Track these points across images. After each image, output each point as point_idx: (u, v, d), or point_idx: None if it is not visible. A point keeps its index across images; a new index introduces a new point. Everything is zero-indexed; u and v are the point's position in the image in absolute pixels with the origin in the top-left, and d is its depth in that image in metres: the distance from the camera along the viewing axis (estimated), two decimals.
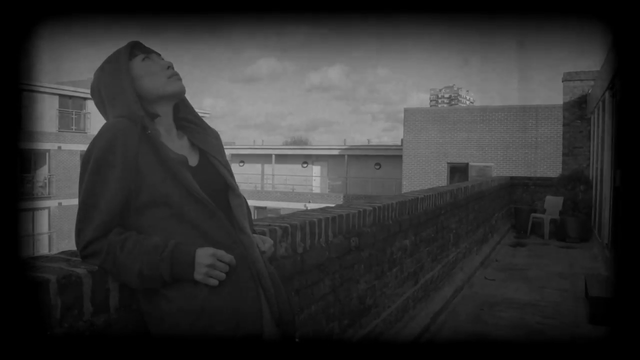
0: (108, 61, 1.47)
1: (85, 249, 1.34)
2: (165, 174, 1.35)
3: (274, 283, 1.45)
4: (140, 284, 1.31)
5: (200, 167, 1.48)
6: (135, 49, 1.48)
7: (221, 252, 1.33)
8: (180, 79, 1.48)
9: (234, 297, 1.34)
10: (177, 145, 1.47)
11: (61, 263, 1.37)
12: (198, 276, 1.30)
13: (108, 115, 1.44)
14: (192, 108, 1.59)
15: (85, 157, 1.36)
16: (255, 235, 1.52)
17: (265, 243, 1.53)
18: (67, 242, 21.63)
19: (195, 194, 1.35)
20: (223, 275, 1.32)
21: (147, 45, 1.52)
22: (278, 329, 1.42)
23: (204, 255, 1.31)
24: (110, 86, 1.43)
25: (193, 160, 1.48)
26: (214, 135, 1.56)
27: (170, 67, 1.48)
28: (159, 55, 1.51)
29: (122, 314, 1.39)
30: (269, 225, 2.13)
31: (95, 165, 1.33)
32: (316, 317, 2.47)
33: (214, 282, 1.31)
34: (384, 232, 3.31)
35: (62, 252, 1.50)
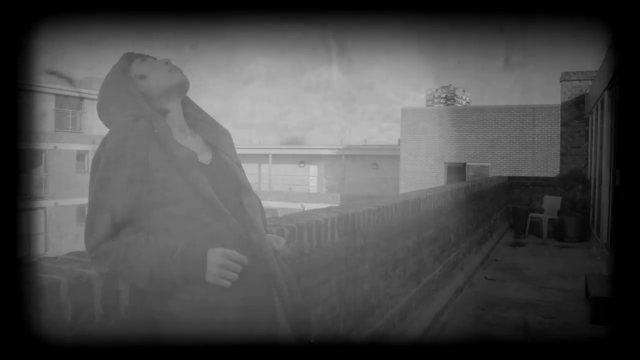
0: (108, 74, 1.49)
1: (95, 249, 1.31)
2: (176, 173, 1.34)
3: (288, 282, 1.42)
4: (151, 286, 1.29)
5: (214, 165, 1.46)
6: (130, 57, 1.51)
7: (232, 252, 1.30)
8: (180, 70, 1.50)
9: (246, 297, 1.31)
10: (191, 142, 1.46)
11: (71, 264, 1.34)
12: (210, 277, 1.28)
13: None
14: (201, 109, 1.59)
15: (96, 157, 1.34)
16: (268, 234, 1.50)
17: (279, 242, 1.51)
18: (63, 243, 21.53)
19: (202, 193, 1.33)
20: (235, 276, 1.29)
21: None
22: (292, 329, 1.40)
23: (216, 256, 1.29)
24: (115, 95, 1.44)
25: (206, 158, 1.47)
26: (225, 134, 1.55)
27: (168, 62, 1.49)
28: (155, 58, 1.53)
29: (132, 316, 1.36)
30: (276, 225, 2.11)
31: (106, 164, 1.32)
32: (322, 318, 2.45)
33: (226, 283, 1.28)
34: (387, 232, 3.30)
35: (71, 253, 1.48)
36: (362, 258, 2.93)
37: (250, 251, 1.36)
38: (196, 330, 1.27)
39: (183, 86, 1.49)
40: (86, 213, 1.35)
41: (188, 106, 1.56)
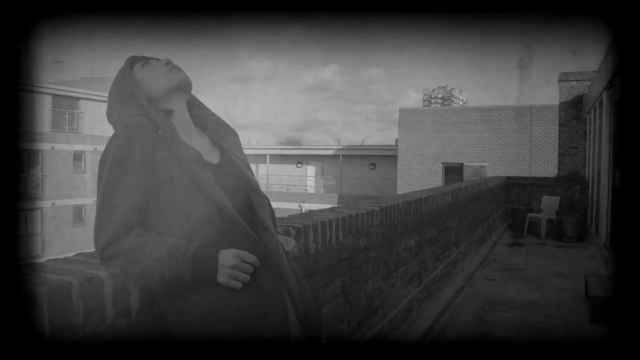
0: (114, 80, 1.50)
1: (105, 250, 1.30)
2: (182, 173, 1.33)
3: (299, 283, 1.41)
4: (162, 287, 1.28)
5: (222, 165, 1.46)
6: (134, 60, 1.52)
7: (244, 253, 1.30)
8: (181, 70, 1.50)
9: (257, 298, 1.30)
10: (198, 142, 1.46)
11: (80, 265, 1.33)
12: (221, 278, 1.27)
13: None
14: (208, 109, 1.59)
15: (103, 156, 1.34)
16: (278, 235, 1.49)
17: (289, 243, 1.50)
18: (60, 243, 21.45)
19: (208, 193, 1.32)
20: (247, 277, 1.29)
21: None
22: (303, 330, 1.39)
23: (227, 257, 1.28)
24: (120, 99, 1.45)
25: (214, 158, 1.46)
26: (233, 134, 1.54)
27: (168, 62, 1.50)
28: (158, 59, 1.53)
29: (143, 318, 1.35)
30: (282, 225, 2.10)
31: (113, 163, 1.31)
32: (327, 319, 2.45)
33: (238, 284, 1.28)
34: (390, 232, 3.30)
35: (79, 254, 1.47)
36: (366, 258, 2.93)
37: (261, 252, 1.35)
38: (207, 331, 1.26)
39: (185, 86, 1.49)
40: (95, 214, 1.34)
41: (195, 107, 1.56)
